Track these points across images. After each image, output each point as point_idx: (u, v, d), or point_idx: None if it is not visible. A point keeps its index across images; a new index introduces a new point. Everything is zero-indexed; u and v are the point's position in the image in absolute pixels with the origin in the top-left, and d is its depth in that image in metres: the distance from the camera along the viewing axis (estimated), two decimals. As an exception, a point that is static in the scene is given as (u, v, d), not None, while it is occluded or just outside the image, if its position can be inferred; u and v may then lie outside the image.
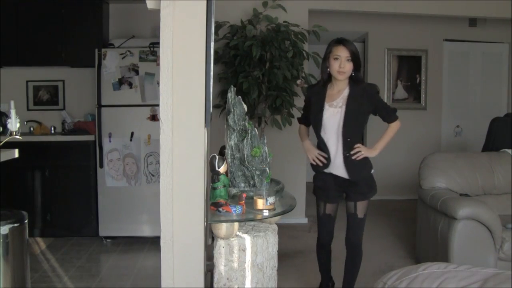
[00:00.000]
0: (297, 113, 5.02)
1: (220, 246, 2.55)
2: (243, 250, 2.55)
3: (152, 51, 4.61)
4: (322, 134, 2.94)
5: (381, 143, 2.99)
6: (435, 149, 6.63)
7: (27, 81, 5.21)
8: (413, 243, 4.39)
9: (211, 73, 2.35)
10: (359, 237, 3.06)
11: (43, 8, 4.84)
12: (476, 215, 3.38)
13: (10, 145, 3.04)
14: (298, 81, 4.92)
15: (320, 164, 2.97)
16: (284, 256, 4.10)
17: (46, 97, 5.24)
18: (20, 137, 3.13)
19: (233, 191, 2.69)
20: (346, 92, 2.92)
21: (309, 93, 3.13)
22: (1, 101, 4.70)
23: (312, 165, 3.06)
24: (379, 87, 6.75)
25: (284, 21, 4.91)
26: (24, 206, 3.84)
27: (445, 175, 3.91)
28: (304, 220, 5.44)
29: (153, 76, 4.61)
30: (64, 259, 4.19)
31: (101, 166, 4.67)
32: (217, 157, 2.58)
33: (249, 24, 4.88)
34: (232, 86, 2.89)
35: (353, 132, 2.90)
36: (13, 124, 3.05)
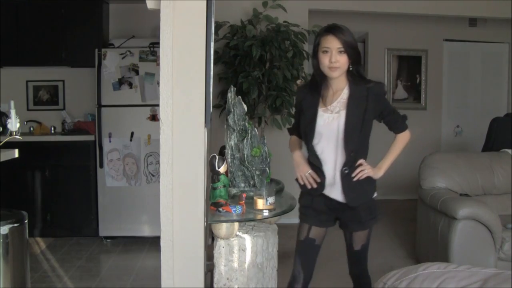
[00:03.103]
0: (297, 113, 5.01)
1: (220, 246, 2.55)
2: (243, 250, 2.55)
3: (152, 51, 4.61)
4: (315, 145, 2.37)
5: (387, 161, 2.43)
6: (435, 149, 6.63)
7: (27, 81, 5.21)
8: (413, 243, 4.39)
9: (211, 73, 2.35)
10: (362, 269, 2.64)
11: (43, 8, 4.84)
12: (476, 215, 3.38)
13: (10, 145, 3.04)
14: (298, 81, 4.91)
15: (309, 186, 2.41)
16: (284, 256, 4.09)
17: (46, 97, 5.24)
18: (20, 137, 3.14)
19: (233, 191, 2.69)
20: (345, 93, 2.35)
21: (299, 96, 2.53)
22: (1, 101, 4.70)
23: (299, 183, 2.50)
24: (379, 87, 6.79)
25: (284, 21, 4.91)
26: (24, 206, 3.83)
27: (445, 175, 3.91)
28: (304, 220, 5.43)
29: (153, 76, 4.61)
30: (64, 259, 4.19)
31: (101, 166, 4.67)
32: (217, 157, 2.58)
33: (249, 24, 4.88)
34: (232, 86, 2.90)
35: (358, 144, 2.34)
36: (13, 124, 3.05)
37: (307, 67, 5.21)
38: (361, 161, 2.35)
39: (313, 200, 2.45)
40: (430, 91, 6.84)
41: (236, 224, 2.52)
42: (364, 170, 2.33)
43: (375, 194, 2.44)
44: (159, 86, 2.39)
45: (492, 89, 7.04)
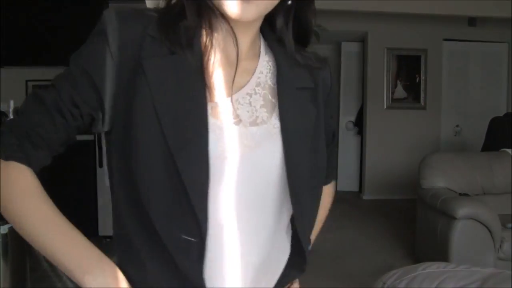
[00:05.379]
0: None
1: (220, 246, 2.55)
2: (242, 250, 2.55)
3: (152, 51, 4.61)
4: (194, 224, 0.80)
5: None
6: (435, 148, 6.64)
7: (26, 81, 5.21)
8: (412, 243, 4.40)
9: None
10: None
11: (43, 8, 4.84)
12: (475, 215, 3.38)
13: (10, 145, 3.04)
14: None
15: None
16: (284, 256, 4.10)
17: (46, 97, 5.24)
18: (20, 137, 3.14)
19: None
20: (264, 70, 0.91)
21: (94, 61, 0.84)
22: (1, 101, 4.70)
23: None
24: (379, 87, 6.81)
25: (284, 21, 4.91)
26: (24, 206, 3.82)
27: (445, 175, 3.92)
28: (304, 220, 5.44)
29: (153, 76, 4.61)
30: (64, 259, 4.19)
31: (101, 165, 4.67)
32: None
33: (249, 24, 4.88)
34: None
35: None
36: (13, 124, 3.05)
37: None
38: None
39: None
40: (429, 91, 6.85)
41: (236, 224, 2.51)
42: None
43: None
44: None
45: (492, 89, 7.05)
